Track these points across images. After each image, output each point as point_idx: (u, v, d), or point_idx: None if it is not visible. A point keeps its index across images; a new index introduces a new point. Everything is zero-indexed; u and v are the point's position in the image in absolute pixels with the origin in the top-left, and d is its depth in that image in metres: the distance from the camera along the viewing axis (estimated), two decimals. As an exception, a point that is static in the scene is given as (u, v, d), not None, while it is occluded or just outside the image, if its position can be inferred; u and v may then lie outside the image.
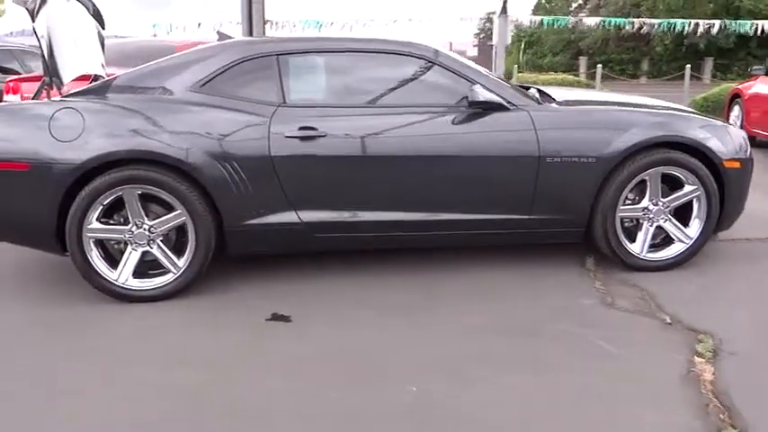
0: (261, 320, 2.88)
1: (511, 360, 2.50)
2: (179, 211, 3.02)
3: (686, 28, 18.95)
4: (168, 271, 3.09)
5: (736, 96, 8.11)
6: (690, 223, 3.42)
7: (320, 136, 3.07)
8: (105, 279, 3.04)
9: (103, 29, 3.98)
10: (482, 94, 3.11)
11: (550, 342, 2.65)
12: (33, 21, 3.05)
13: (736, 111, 7.99)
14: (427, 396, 2.23)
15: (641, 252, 3.39)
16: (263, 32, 9.94)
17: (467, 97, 3.19)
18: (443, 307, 3.02)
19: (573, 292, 3.17)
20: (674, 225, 3.40)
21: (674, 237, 3.42)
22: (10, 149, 2.97)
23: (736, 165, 3.38)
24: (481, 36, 33.60)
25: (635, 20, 19.74)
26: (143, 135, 2.97)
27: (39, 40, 3.10)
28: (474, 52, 31.80)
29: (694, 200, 3.38)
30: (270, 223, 3.12)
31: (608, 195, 3.26)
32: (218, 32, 3.86)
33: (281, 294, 3.15)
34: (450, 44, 34.99)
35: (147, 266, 3.10)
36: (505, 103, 3.20)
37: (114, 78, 3.25)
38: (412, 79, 3.31)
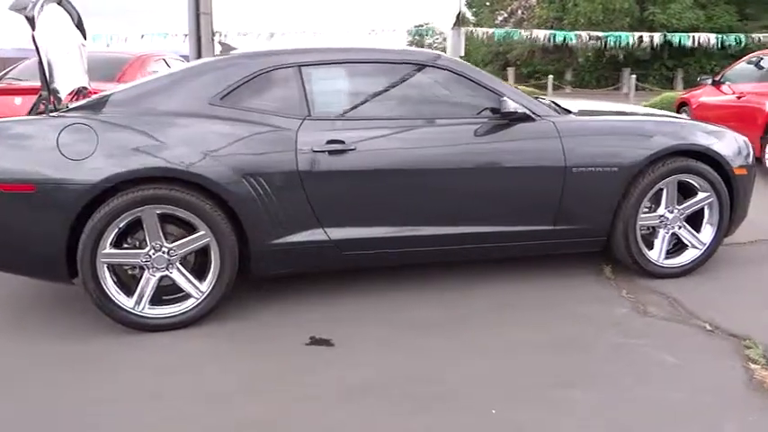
0: (300, 345, 2.71)
1: (572, 374, 2.45)
2: (203, 232, 2.81)
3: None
4: (187, 296, 2.88)
5: (683, 104, 8.50)
6: (701, 229, 3.50)
7: (349, 149, 2.95)
8: (122, 308, 2.79)
9: (85, 39, 3.71)
10: (512, 105, 3.07)
11: (603, 353, 2.62)
12: (33, 29, 2.77)
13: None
14: (512, 418, 2.15)
15: (659, 259, 3.43)
16: (212, 45, 9.63)
17: (490, 108, 3.15)
18: (478, 321, 2.94)
19: (602, 301, 3.17)
20: (688, 231, 3.47)
21: (687, 243, 3.49)
22: (13, 170, 2.68)
23: (744, 171, 3.49)
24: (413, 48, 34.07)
25: (594, 33, 20.30)
26: (164, 152, 2.75)
27: (38, 50, 2.82)
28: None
29: (705, 206, 3.46)
30: (297, 242, 2.96)
31: (629, 204, 3.29)
32: (221, 43, 3.67)
33: (310, 316, 2.99)
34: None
35: (159, 292, 2.87)
36: (532, 114, 3.17)
37: (120, 92, 3.01)
38: (436, 90, 3.23)
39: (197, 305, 2.86)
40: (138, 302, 2.81)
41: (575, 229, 3.30)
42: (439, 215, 3.11)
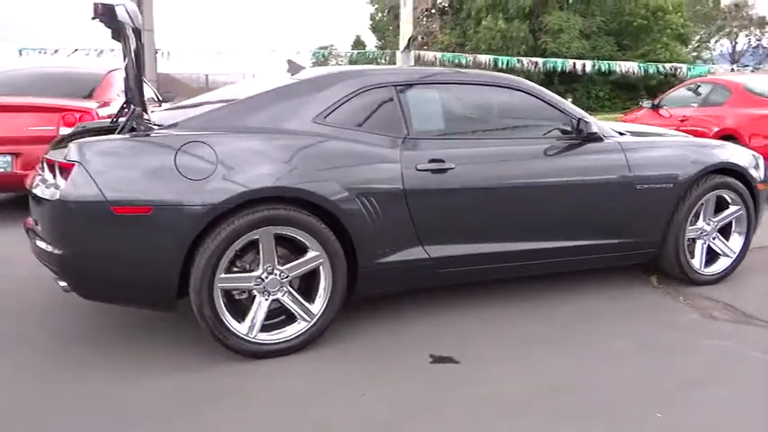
0: (425, 364, 2.70)
1: (692, 376, 2.62)
2: (317, 253, 2.74)
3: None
4: (291, 320, 2.79)
5: (620, 127, 9.18)
6: (729, 239, 3.84)
7: (449, 168, 2.99)
8: (237, 334, 2.65)
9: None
10: (592, 126, 3.25)
11: (706, 355, 2.82)
12: (140, 40, 2.61)
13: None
14: (677, 420, 2.28)
15: (700, 268, 3.74)
16: (155, 61, 9.25)
17: (560, 128, 3.32)
18: (579, 334, 3.06)
19: (667, 308, 3.40)
20: (722, 242, 3.81)
21: (720, 252, 3.82)
22: (132, 190, 2.49)
23: (764, 186, 3.89)
24: (315, 68, 34.14)
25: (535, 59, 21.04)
26: (283, 171, 2.67)
27: (138, 63, 2.66)
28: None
29: (734, 218, 3.81)
30: (399, 261, 2.95)
31: (680, 217, 3.57)
32: (288, 61, 3.56)
33: (417, 334, 2.99)
34: (288, 75, 35.09)
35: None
36: (601, 135, 3.37)
37: (216, 109, 2.88)
38: (518, 110, 3.35)
39: (309, 328, 2.78)
40: (251, 328, 2.68)
41: (634, 242, 3.52)
42: (526, 231, 3.22)
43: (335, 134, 2.87)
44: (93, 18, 3.15)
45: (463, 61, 18.70)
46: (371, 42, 37.55)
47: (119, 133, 2.69)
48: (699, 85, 7.85)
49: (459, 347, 2.86)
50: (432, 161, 2.97)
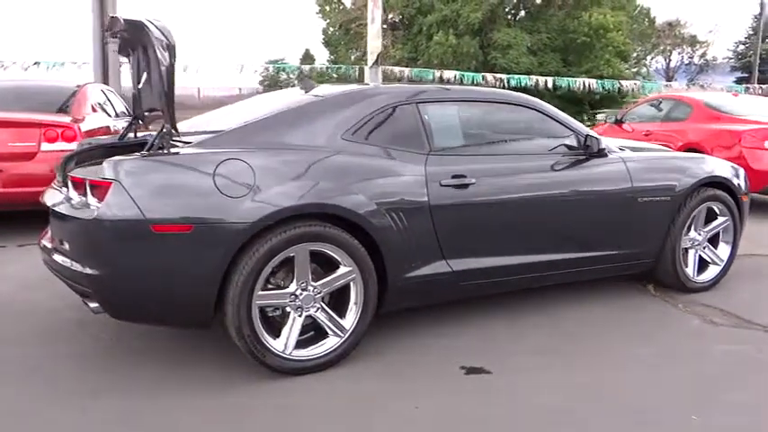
0: (459, 377, 2.75)
1: (719, 379, 2.76)
2: (350, 269, 2.76)
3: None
4: (324, 336, 2.79)
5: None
6: (717, 248, 4.05)
7: (470, 183, 3.07)
8: (273, 352, 2.64)
9: None
10: (599, 143, 3.40)
11: (722, 359, 2.97)
12: (174, 59, 2.59)
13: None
14: (713, 421, 2.40)
15: (694, 276, 3.92)
16: (119, 73, 9.03)
17: (567, 144, 3.45)
18: (591, 341, 3.17)
19: (670, 315, 3.56)
20: (711, 251, 4.01)
21: (710, 261, 4.02)
22: (171, 209, 2.46)
23: (746, 198, 4.13)
24: (265, 83, 33.89)
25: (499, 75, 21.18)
26: (317, 187, 2.69)
27: (171, 77, 2.63)
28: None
29: (722, 228, 4.02)
30: (425, 275, 3.00)
31: (676, 229, 3.75)
32: (300, 77, 3.56)
33: (441, 345, 3.04)
34: (240, 89, 34.76)
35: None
36: (606, 150, 3.52)
37: (243, 127, 2.87)
38: (530, 127, 3.47)
39: (341, 344, 2.79)
40: (286, 345, 2.68)
41: (635, 252, 3.68)
42: (541, 243, 3.32)
43: (364, 150, 2.91)
44: (107, 31, 3.11)
45: (430, 77, 18.94)
46: (323, 56, 37.61)
47: (148, 150, 2.66)
48: (660, 101, 8.23)
49: (486, 358, 2.91)
50: (454, 177, 3.04)
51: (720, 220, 3.99)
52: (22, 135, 5.00)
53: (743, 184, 4.11)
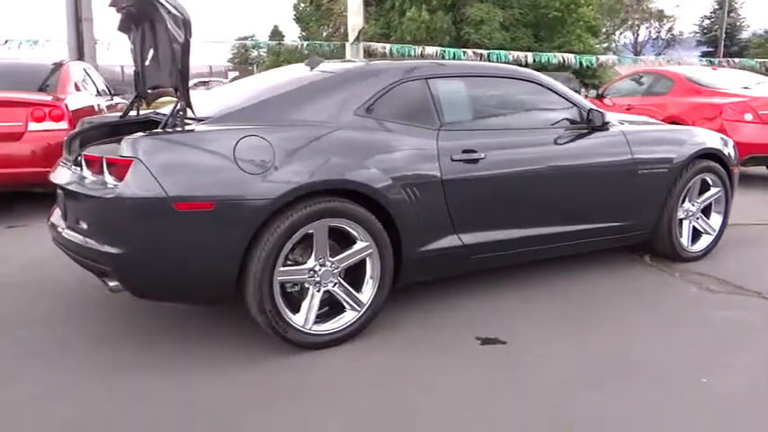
0: (476, 347, 2.81)
1: (721, 346, 2.86)
2: (366, 244, 2.79)
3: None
4: (341, 310, 2.83)
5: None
6: (710, 218, 4.18)
7: (480, 158, 3.11)
8: (295, 327, 2.67)
9: None
10: (603, 116, 3.46)
11: (720, 325, 3.08)
12: (190, 35, 2.55)
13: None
14: (721, 383, 2.50)
15: (688, 246, 4.04)
16: (95, 53, 8.80)
17: (569, 118, 3.51)
18: (596, 310, 3.26)
19: (669, 284, 3.67)
20: (704, 221, 4.13)
21: (703, 231, 4.14)
22: (193, 186, 2.45)
23: (736, 169, 4.25)
24: (236, 60, 33.36)
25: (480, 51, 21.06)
26: (336, 163, 2.70)
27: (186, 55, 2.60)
28: (235, 73, 31.44)
29: (713, 199, 4.14)
30: (437, 249, 3.04)
31: (672, 199, 3.85)
32: (308, 56, 3.52)
33: (458, 318, 3.11)
34: (210, 67, 34.20)
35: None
36: (608, 124, 3.59)
37: (258, 102, 2.85)
38: (534, 102, 3.51)
39: (359, 318, 2.82)
40: (306, 320, 2.71)
41: (634, 223, 3.77)
42: (548, 216, 3.39)
43: (378, 126, 2.93)
44: (113, 5, 3.04)
45: (413, 53, 18.84)
46: (293, 33, 37.12)
47: (163, 128, 2.63)
48: (641, 76, 8.35)
49: (499, 328, 2.98)
50: (465, 151, 3.07)
51: (713, 191, 4.10)
52: (9, 115, 4.87)
53: (733, 155, 4.22)
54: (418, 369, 2.61)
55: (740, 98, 6.79)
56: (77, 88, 5.95)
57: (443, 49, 20.86)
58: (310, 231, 2.65)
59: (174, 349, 2.75)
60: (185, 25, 2.54)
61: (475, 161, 3.09)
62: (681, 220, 4.03)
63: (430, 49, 19.93)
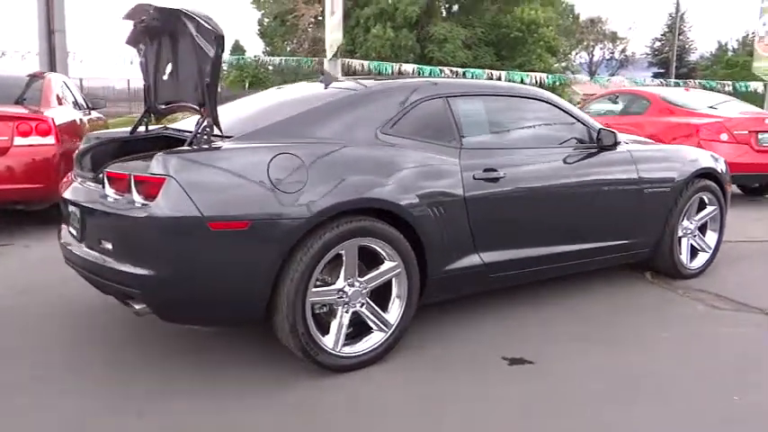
0: (504, 367, 2.80)
1: (740, 362, 2.91)
2: (395, 264, 2.76)
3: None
4: (367, 332, 2.78)
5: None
6: (706, 236, 4.28)
7: (501, 177, 3.12)
8: (325, 350, 2.61)
9: None
10: (616, 137, 3.52)
11: (734, 342, 3.14)
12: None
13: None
14: (753, 400, 2.54)
15: (687, 263, 4.13)
16: (66, 65, 8.56)
17: (578, 137, 3.57)
18: (615, 328, 3.29)
19: (674, 302, 3.73)
20: (701, 239, 4.23)
21: (699, 248, 4.24)
22: (228, 205, 2.38)
23: (729, 187, 4.37)
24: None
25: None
26: (366, 182, 2.66)
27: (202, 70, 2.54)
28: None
29: (709, 217, 4.25)
30: (459, 267, 3.03)
31: (674, 217, 3.93)
32: (322, 72, 3.48)
33: (481, 337, 3.10)
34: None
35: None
36: (616, 144, 3.65)
37: (281, 121, 2.80)
38: (547, 121, 3.54)
39: (386, 339, 2.78)
40: (336, 342, 2.65)
41: (638, 241, 3.84)
42: (563, 234, 3.42)
43: (403, 144, 2.91)
44: (128, 19, 2.96)
45: (389, 71, 18.91)
46: (256, 48, 36.90)
47: (189, 145, 2.56)
48: (617, 96, 8.56)
49: (523, 348, 2.97)
50: (486, 170, 3.08)
51: (710, 209, 4.21)
52: (-7, 129, 4.68)
53: (726, 174, 4.35)
54: (454, 390, 2.57)
55: (715, 118, 7.02)
56: (60, 102, 5.76)
57: (420, 67, 21.03)
58: (341, 251, 2.61)
59: (201, 373, 2.66)
60: (217, 40, 2.48)
61: (495, 180, 3.10)
62: (680, 238, 4.12)
63: (407, 66, 20.07)
